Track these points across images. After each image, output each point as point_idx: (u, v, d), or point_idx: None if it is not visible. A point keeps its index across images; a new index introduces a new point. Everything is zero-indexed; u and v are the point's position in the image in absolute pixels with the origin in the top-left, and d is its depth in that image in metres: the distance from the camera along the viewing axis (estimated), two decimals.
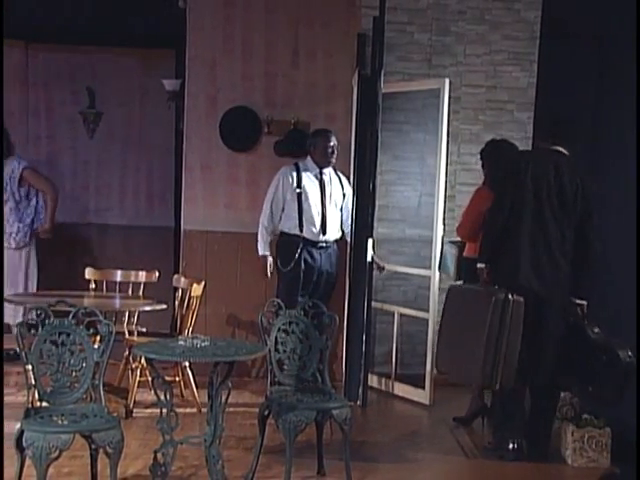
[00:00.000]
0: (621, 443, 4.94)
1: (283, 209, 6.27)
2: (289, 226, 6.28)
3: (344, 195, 6.37)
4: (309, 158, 6.30)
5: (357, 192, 6.16)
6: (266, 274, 6.27)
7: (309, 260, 6.25)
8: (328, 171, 6.32)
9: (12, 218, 6.96)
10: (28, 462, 3.89)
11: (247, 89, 6.78)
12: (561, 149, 5.07)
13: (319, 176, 6.29)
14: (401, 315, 6.54)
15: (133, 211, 8.46)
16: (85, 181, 8.40)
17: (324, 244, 6.29)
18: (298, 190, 6.22)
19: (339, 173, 6.39)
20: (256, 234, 6.32)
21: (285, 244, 6.29)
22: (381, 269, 6.38)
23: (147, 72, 8.09)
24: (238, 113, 6.75)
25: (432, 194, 6.55)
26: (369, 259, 6.16)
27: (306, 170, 6.29)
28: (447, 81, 6.04)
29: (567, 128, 5.17)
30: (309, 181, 6.27)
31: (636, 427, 4.85)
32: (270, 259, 6.26)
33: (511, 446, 5.05)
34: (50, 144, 8.35)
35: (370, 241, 6.12)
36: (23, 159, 7.13)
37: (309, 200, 6.24)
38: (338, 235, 6.39)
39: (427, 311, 6.24)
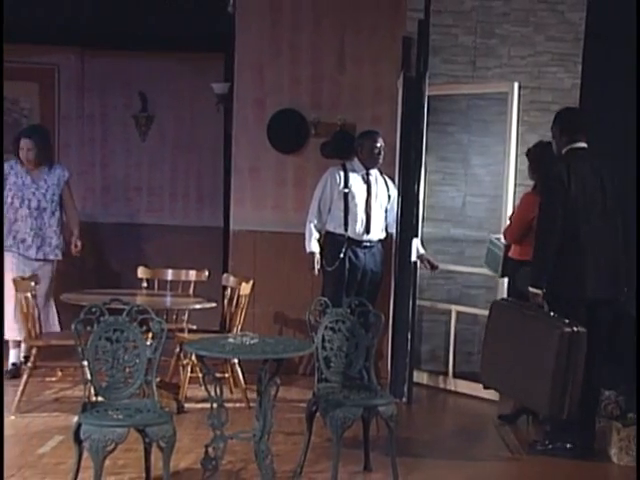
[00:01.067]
0: None
1: (329, 209, 6.28)
2: (334, 225, 6.28)
3: (389, 196, 6.36)
4: (356, 159, 6.30)
5: (402, 193, 6.14)
6: (314, 270, 6.27)
7: (353, 259, 6.24)
8: (374, 172, 6.31)
9: (58, 229, 6.57)
10: (86, 454, 3.95)
11: (294, 92, 6.79)
12: (583, 144, 4.96)
13: (366, 177, 6.28)
14: (458, 313, 6.50)
15: (183, 212, 8.52)
16: (137, 182, 8.49)
17: (368, 243, 6.28)
18: (345, 190, 6.22)
19: (385, 175, 6.37)
20: (303, 234, 6.32)
21: (330, 243, 6.29)
22: (435, 268, 6.36)
23: (197, 76, 8.14)
24: (285, 115, 6.77)
25: (476, 194, 6.54)
26: (414, 258, 6.13)
27: (353, 171, 6.28)
28: (516, 85, 6.06)
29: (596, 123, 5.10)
30: (356, 181, 6.26)
31: (636, 425, 4.78)
32: (318, 256, 6.26)
33: (569, 445, 5.00)
34: (104, 147, 8.46)
35: (415, 241, 6.09)
36: (66, 168, 6.75)
37: (355, 200, 6.24)
38: (382, 235, 6.37)
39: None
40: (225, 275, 6.31)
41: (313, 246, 6.27)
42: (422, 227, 6.30)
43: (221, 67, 7.76)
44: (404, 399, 6.04)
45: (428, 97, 6.07)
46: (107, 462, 3.97)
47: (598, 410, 5.16)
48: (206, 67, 8.03)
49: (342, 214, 6.24)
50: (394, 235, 6.28)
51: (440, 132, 6.55)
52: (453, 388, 6.45)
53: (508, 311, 4.98)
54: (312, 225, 6.28)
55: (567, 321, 4.63)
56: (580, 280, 4.86)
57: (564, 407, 4.60)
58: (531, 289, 4.86)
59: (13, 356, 6.52)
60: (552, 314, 4.74)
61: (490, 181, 6.58)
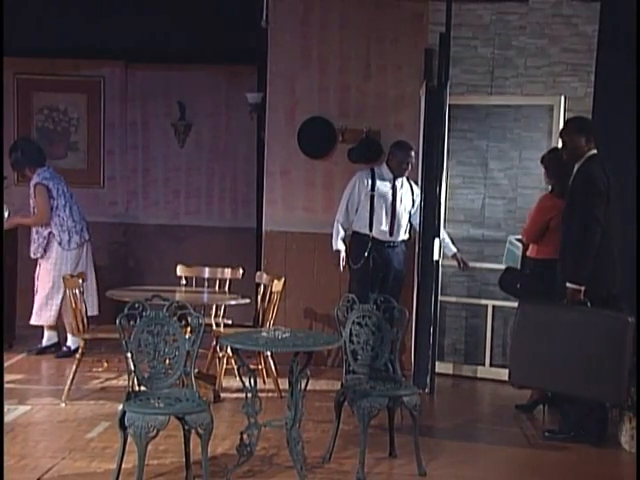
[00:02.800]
0: None
1: (357, 210, 6.29)
2: (360, 225, 6.31)
3: (413, 201, 6.37)
4: (385, 165, 6.33)
5: (425, 195, 6.13)
6: (339, 267, 6.28)
7: (377, 258, 6.26)
8: (401, 178, 6.33)
9: (69, 223, 6.72)
10: (130, 439, 3.99)
11: (323, 101, 6.80)
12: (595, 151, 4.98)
13: (392, 182, 6.31)
14: (494, 307, 6.53)
15: (219, 213, 8.55)
16: (176, 186, 8.54)
17: (392, 244, 6.30)
18: (372, 192, 6.24)
19: (411, 181, 6.39)
20: (331, 234, 6.36)
21: (356, 242, 6.32)
22: (466, 266, 6.38)
23: (232, 86, 8.19)
24: (315, 123, 6.78)
25: (495, 197, 6.53)
26: (436, 257, 6.12)
27: (381, 175, 6.32)
28: (562, 98, 6.13)
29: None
30: (382, 186, 6.29)
31: (636, 425, 4.74)
32: (343, 254, 6.28)
33: (586, 434, 4.99)
34: (145, 153, 8.52)
35: (437, 240, 6.09)
36: (41, 175, 6.71)
37: (381, 203, 6.26)
38: (406, 236, 6.38)
39: None
40: (258, 273, 6.34)
41: (339, 244, 6.29)
42: (443, 228, 6.30)
43: (255, 78, 7.79)
44: (427, 390, 6.03)
45: (449, 105, 6.06)
46: (150, 447, 4.01)
47: None
48: (240, 78, 8.07)
49: (368, 215, 6.27)
50: (418, 235, 6.28)
51: (460, 138, 6.55)
52: (485, 376, 6.49)
53: (545, 311, 4.88)
54: (339, 224, 6.31)
55: (620, 312, 4.66)
56: (613, 281, 4.89)
57: (625, 393, 4.66)
58: (570, 285, 4.79)
59: (70, 340, 6.76)
60: (597, 308, 4.73)
61: (507, 184, 6.57)
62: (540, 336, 4.81)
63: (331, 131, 6.78)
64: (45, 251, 6.73)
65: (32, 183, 6.75)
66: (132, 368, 4.15)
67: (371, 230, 6.26)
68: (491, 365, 6.55)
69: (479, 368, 6.60)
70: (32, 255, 6.77)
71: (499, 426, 5.45)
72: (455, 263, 6.46)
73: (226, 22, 7.57)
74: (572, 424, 5.05)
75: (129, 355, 4.15)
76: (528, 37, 6.48)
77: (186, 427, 4.08)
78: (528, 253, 5.65)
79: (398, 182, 6.33)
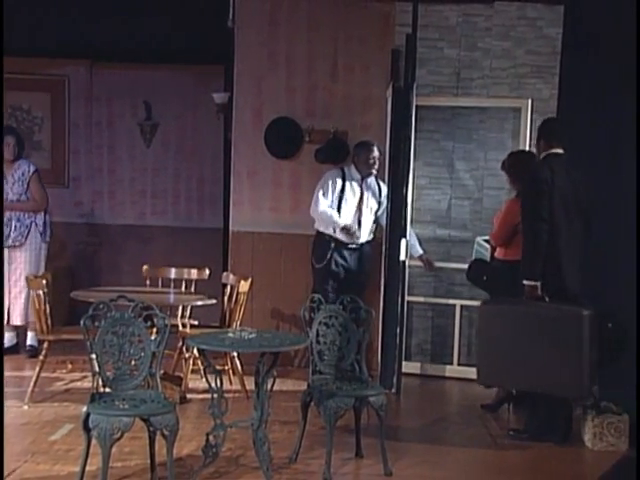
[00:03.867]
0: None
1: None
2: (324, 226, 6.34)
3: (379, 203, 6.39)
4: (353, 166, 6.34)
5: (392, 196, 6.15)
6: (354, 236, 6.23)
7: (339, 259, 6.29)
8: (370, 179, 6.35)
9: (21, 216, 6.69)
10: (94, 441, 3.95)
11: (290, 101, 6.79)
12: (560, 150, 5.06)
13: (360, 183, 6.33)
14: (461, 307, 6.60)
15: (185, 214, 8.51)
16: (142, 186, 8.48)
17: (354, 245, 6.33)
18: (340, 194, 6.27)
19: (380, 181, 6.41)
20: (298, 234, 6.43)
21: (319, 242, 6.37)
22: (433, 267, 6.44)
23: (198, 86, 8.14)
24: (281, 123, 6.77)
25: (461, 197, 6.57)
26: (402, 258, 6.14)
27: (350, 176, 6.35)
28: (530, 101, 6.22)
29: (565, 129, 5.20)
30: (350, 187, 6.32)
31: (636, 425, 4.80)
32: (349, 223, 6.22)
33: (549, 433, 5.04)
34: (111, 153, 8.45)
35: (404, 241, 6.11)
36: (32, 163, 6.88)
37: (347, 205, 6.28)
38: (370, 237, 6.42)
39: None
40: (225, 273, 6.31)
41: (341, 220, 6.21)
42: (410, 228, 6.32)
43: (221, 78, 7.75)
44: (393, 390, 6.04)
45: (416, 106, 6.08)
46: (114, 449, 3.97)
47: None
48: (207, 78, 8.03)
49: None
50: (385, 235, 6.29)
51: (427, 139, 6.58)
52: (453, 375, 6.55)
53: (504, 310, 4.94)
54: (325, 208, 6.23)
55: (576, 306, 4.71)
56: (560, 275, 4.93)
57: (591, 389, 4.71)
58: (527, 282, 4.88)
59: (30, 339, 6.74)
60: (547, 299, 4.82)
61: (473, 185, 6.62)
62: (501, 334, 4.86)
63: (298, 131, 6.77)
64: (26, 239, 6.68)
65: (23, 170, 6.71)
66: (97, 369, 4.11)
67: (334, 231, 6.29)
68: (459, 364, 6.59)
69: (447, 367, 6.64)
70: (10, 242, 6.64)
71: (465, 426, 5.48)
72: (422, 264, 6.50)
73: (193, 22, 7.53)
74: (537, 423, 5.09)
75: (94, 356, 4.11)
76: (494, 39, 6.54)
77: (151, 429, 4.05)
78: (496, 254, 5.70)
79: (366, 182, 6.35)
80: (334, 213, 6.24)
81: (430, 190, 6.70)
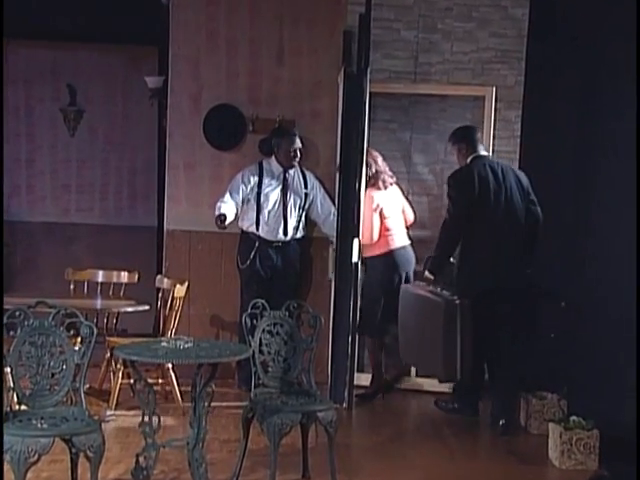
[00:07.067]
0: (610, 445, 4.94)
1: (243, 205, 6.32)
2: (247, 224, 6.41)
3: (306, 195, 6.42)
4: (273, 158, 6.37)
5: (342, 191, 6.15)
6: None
7: (264, 259, 6.34)
8: (293, 170, 6.37)
9: None
10: (7, 466, 3.85)
11: (231, 87, 6.76)
12: (485, 153, 5.80)
13: (282, 176, 6.37)
14: None
15: (115, 210, 8.47)
16: (66, 180, 8.41)
17: (280, 244, 6.38)
18: (258, 190, 6.33)
19: (305, 171, 6.49)
20: (239, 234, 6.39)
21: (244, 241, 6.44)
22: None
23: (129, 69, 8.09)
24: (222, 111, 6.73)
25: (419, 193, 6.59)
26: (355, 259, 6.14)
27: (269, 170, 6.41)
28: (493, 89, 6.40)
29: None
30: (271, 181, 6.39)
31: (636, 428, 4.86)
32: (223, 216, 6.18)
33: (501, 422, 5.51)
34: (30, 142, 8.36)
35: (356, 241, 6.10)
36: None
37: (269, 200, 6.36)
38: (299, 234, 6.46)
39: None
40: (159, 277, 6.28)
41: (223, 209, 6.21)
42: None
43: (155, 60, 7.71)
44: (344, 404, 6.04)
45: (370, 93, 6.09)
46: (30, 474, 3.88)
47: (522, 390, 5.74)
48: (139, 60, 7.98)
49: (254, 214, 6.37)
50: (333, 235, 6.29)
51: (382, 129, 6.59)
52: (409, 387, 6.62)
53: (411, 294, 5.84)
54: (219, 203, 6.25)
55: (450, 294, 5.46)
56: (484, 272, 5.57)
57: (456, 372, 5.43)
58: (427, 274, 5.77)
59: None
60: (440, 290, 5.56)
61: (432, 180, 6.65)
62: (408, 318, 5.81)
63: (240, 120, 6.74)
64: None
65: None
66: (11, 384, 4.04)
67: (258, 229, 6.35)
68: (417, 375, 6.60)
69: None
70: None
71: (421, 441, 5.52)
72: None
73: None
74: (460, 399, 5.83)
75: (8, 370, 4.06)
76: (455, 20, 6.57)
77: (73, 450, 3.99)
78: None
79: (289, 175, 6.38)
80: (223, 206, 6.25)
81: None
